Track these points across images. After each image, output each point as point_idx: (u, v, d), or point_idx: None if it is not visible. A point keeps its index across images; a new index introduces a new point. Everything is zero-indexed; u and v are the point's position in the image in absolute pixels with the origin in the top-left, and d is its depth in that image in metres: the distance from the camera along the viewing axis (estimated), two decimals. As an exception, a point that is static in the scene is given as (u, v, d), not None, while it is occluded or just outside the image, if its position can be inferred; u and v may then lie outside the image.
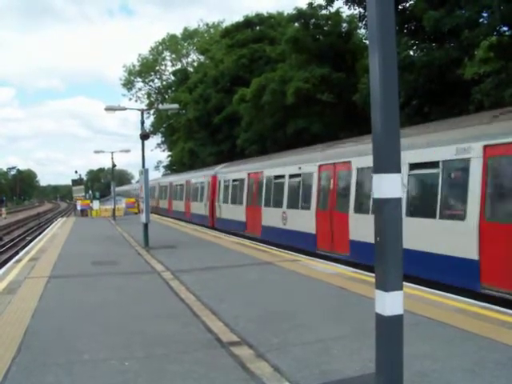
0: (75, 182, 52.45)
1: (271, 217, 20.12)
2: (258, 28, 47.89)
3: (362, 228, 13.49)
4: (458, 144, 10.62)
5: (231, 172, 26.35)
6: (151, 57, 76.11)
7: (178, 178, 41.62)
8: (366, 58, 26.70)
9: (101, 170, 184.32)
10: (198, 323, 7.50)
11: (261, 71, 39.23)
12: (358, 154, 14.38)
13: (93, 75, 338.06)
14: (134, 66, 76.87)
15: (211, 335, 6.86)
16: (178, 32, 76.17)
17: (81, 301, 9.26)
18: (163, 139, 75.44)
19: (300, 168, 17.83)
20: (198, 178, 33.18)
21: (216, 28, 71.07)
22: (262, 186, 21.45)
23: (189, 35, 74.19)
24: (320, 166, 16.56)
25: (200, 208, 31.25)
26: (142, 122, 19.31)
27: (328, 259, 14.26)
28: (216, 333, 6.94)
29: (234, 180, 25.22)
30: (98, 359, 5.99)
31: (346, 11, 31.78)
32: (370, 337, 4.33)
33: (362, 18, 25.05)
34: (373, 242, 3.93)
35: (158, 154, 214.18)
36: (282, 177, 19.44)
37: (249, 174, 23.17)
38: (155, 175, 73.88)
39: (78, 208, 44.71)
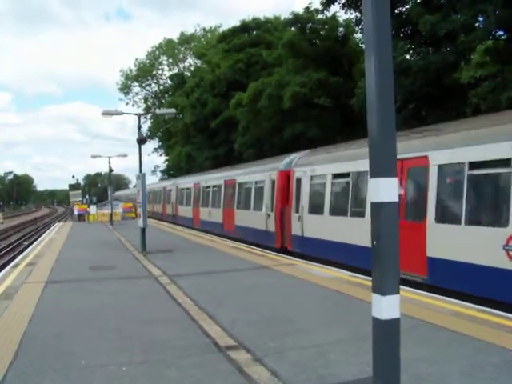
0: (72, 187, 52.57)
1: (458, 243, 10.34)
2: (254, 32, 47.98)
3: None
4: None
5: (331, 162, 15.91)
6: (148, 61, 76.24)
7: (210, 178, 30.44)
8: (362, 63, 26.76)
9: (98, 175, 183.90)
10: (195, 328, 7.49)
11: (257, 76, 39.28)
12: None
13: (90, 80, 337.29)
14: (130, 70, 77.05)
15: (208, 339, 6.85)
16: (175, 36, 76.40)
17: (78, 306, 9.24)
18: (160, 144, 75.56)
19: None
20: (251, 175, 22.92)
21: (213, 32, 71.20)
22: (427, 185, 11.38)
23: (185, 40, 74.30)
24: None
25: (255, 219, 20.99)
26: (139, 127, 19.34)
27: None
28: (213, 337, 6.93)
29: (337, 175, 15.26)
30: (95, 364, 5.98)
31: (343, 15, 32.01)
32: (367, 340, 4.34)
33: (358, 22, 25.15)
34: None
35: (155, 158, 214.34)
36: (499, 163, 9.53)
37: None
38: (153, 179, 73.81)
39: (75, 213, 44.67)
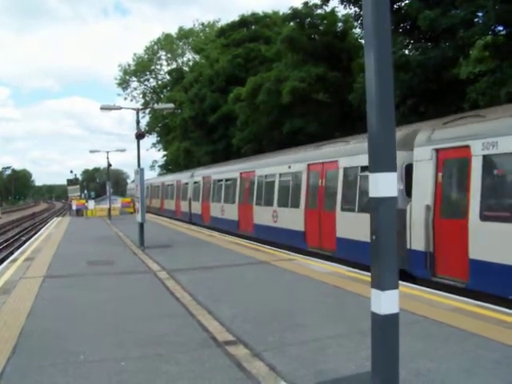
0: (70, 182, 52.31)
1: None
2: (253, 27, 47.88)
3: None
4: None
5: None
6: (146, 56, 76.07)
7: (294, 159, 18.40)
8: (361, 58, 26.73)
9: (96, 170, 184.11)
10: (193, 323, 7.48)
11: (256, 71, 39.24)
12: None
13: (88, 75, 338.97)
14: (129, 65, 76.88)
15: (207, 334, 6.85)
16: (174, 31, 76.20)
17: (76, 301, 9.22)
18: (159, 139, 75.50)
19: None
20: None
21: (211, 27, 71.09)
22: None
23: (184, 34, 74.16)
24: None
25: None
26: (138, 122, 19.30)
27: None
28: (212, 332, 6.92)
29: None
30: (93, 360, 5.97)
31: (342, 11, 31.92)
32: (366, 336, 4.33)
33: (357, 17, 25.10)
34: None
35: (153, 153, 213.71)
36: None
37: None
38: (152, 174, 73.60)
39: (74, 208, 44.59)
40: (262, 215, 20.06)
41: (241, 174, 22.56)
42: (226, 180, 24.32)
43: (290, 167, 18.06)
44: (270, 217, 19.14)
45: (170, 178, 41.32)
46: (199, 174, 31.24)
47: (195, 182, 31.60)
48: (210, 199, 26.61)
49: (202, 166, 40.59)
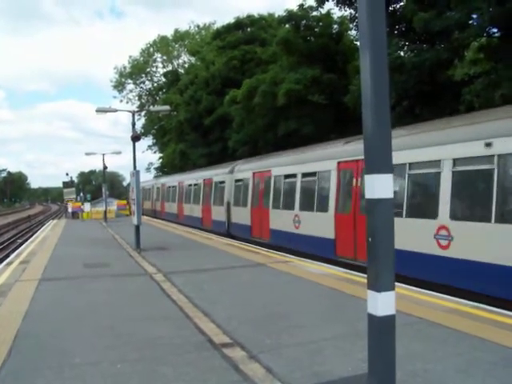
0: (66, 185, 52.15)
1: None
2: (248, 30, 47.88)
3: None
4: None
5: None
6: (142, 58, 75.93)
7: None
8: (356, 60, 26.76)
9: (92, 172, 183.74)
10: (190, 325, 7.47)
11: (252, 73, 39.23)
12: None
13: (83, 78, 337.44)
14: (124, 67, 76.69)
15: (203, 337, 6.84)
16: (169, 34, 76.16)
17: (72, 303, 9.21)
18: (154, 141, 75.27)
19: None
20: None
21: (207, 30, 71.05)
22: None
23: (180, 37, 74.06)
24: None
25: None
26: (133, 124, 19.25)
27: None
28: (208, 334, 6.91)
29: None
30: (89, 362, 5.95)
31: (337, 12, 32.00)
32: (363, 337, 4.33)
33: (352, 19, 25.11)
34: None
35: (149, 155, 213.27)
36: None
37: None
38: (147, 177, 73.33)
39: (69, 210, 44.52)
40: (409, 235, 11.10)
41: (339, 164, 14.73)
42: (305, 175, 16.97)
43: (489, 145, 9.65)
44: (431, 237, 10.24)
45: (193, 176, 33.16)
46: (246, 169, 22.95)
47: (238, 180, 23.49)
48: (270, 204, 19.49)
49: (198, 168, 40.33)
